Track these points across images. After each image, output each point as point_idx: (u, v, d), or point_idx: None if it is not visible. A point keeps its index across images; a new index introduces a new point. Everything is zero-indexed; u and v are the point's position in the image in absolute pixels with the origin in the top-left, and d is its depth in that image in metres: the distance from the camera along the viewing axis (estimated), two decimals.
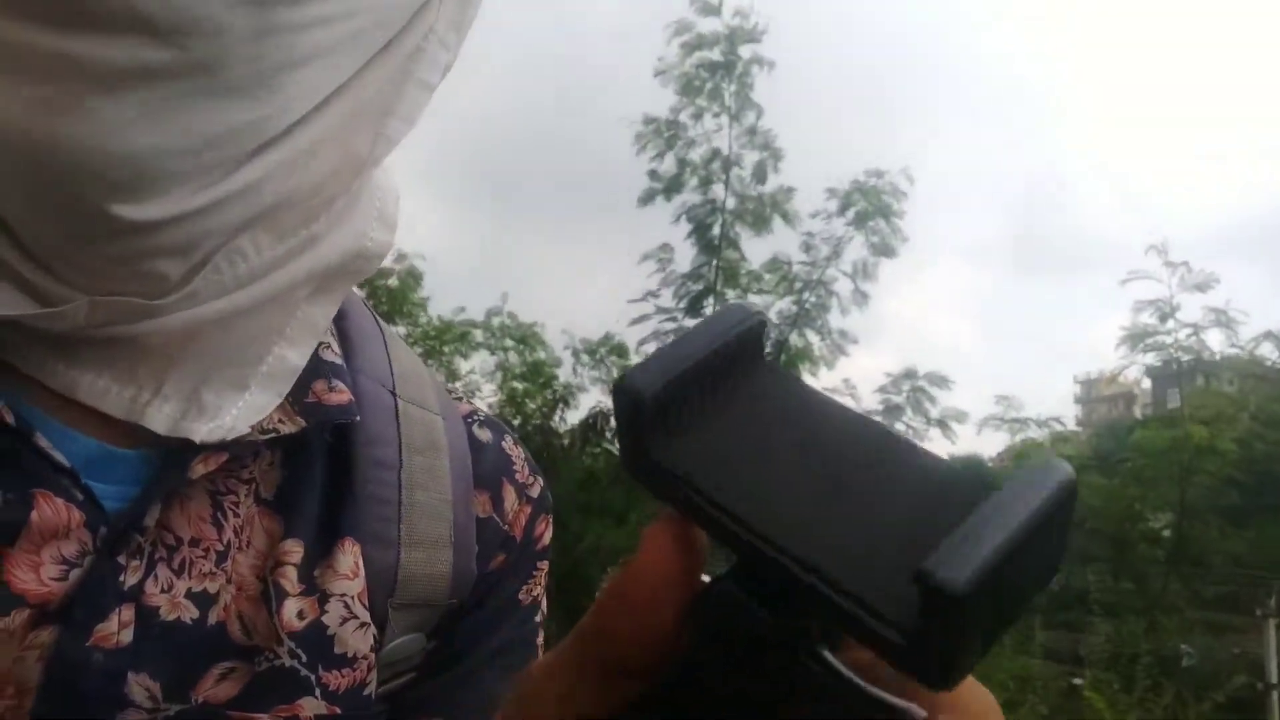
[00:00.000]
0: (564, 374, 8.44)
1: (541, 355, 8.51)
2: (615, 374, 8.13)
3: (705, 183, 7.57)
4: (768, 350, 0.29)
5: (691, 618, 0.25)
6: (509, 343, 8.53)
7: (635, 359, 7.74)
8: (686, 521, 0.25)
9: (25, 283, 0.43)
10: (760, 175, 7.55)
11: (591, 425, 7.89)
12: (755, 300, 7.61)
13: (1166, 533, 7.51)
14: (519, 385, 8.31)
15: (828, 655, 0.24)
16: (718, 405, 0.26)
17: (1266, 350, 7.91)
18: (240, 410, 0.47)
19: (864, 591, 0.22)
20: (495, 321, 8.58)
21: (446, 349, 8.32)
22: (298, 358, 0.50)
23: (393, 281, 8.06)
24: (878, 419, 0.27)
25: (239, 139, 0.41)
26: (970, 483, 0.24)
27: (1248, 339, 7.70)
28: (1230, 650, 8.28)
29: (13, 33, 0.36)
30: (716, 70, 7.46)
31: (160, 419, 0.46)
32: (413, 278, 8.28)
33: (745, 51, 7.42)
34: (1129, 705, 5.77)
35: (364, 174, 0.48)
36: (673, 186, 7.62)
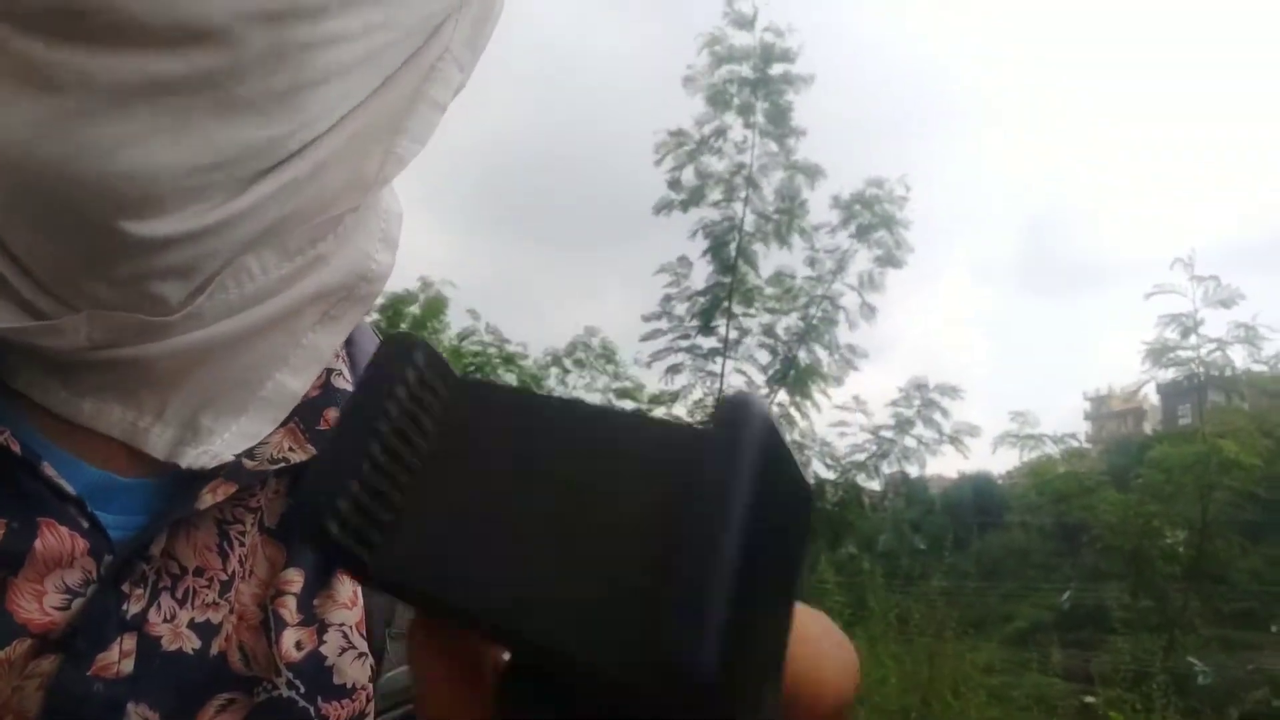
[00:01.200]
0: (555, 390, 8.12)
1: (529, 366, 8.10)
2: (607, 378, 7.97)
3: (728, 196, 7.47)
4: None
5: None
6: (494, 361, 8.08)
7: (632, 368, 7.61)
8: (432, 624, 0.23)
9: (24, 301, 0.42)
10: (791, 192, 7.44)
11: None
12: (765, 317, 7.56)
13: (1182, 549, 7.44)
14: None
15: None
16: (413, 471, 0.23)
17: None
18: (231, 436, 0.47)
19: (624, 659, 0.20)
20: (471, 344, 8.03)
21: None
22: (299, 385, 0.49)
23: (415, 309, 7.88)
24: (589, 402, 0.23)
25: (255, 158, 0.40)
26: (685, 457, 0.21)
27: (1269, 355, 7.65)
28: (1245, 667, 8.20)
29: (17, 45, 0.36)
30: (745, 86, 7.38)
31: (160, 444, 0.46)
32: (440, 305, 7.88)
33: (777, 70, 7.33)
34: None
35: (372, 192, 0.48)
36: (693, 198, 7.49)
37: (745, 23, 7.28)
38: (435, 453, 0.23)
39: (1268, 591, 8.78)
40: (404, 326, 7.46)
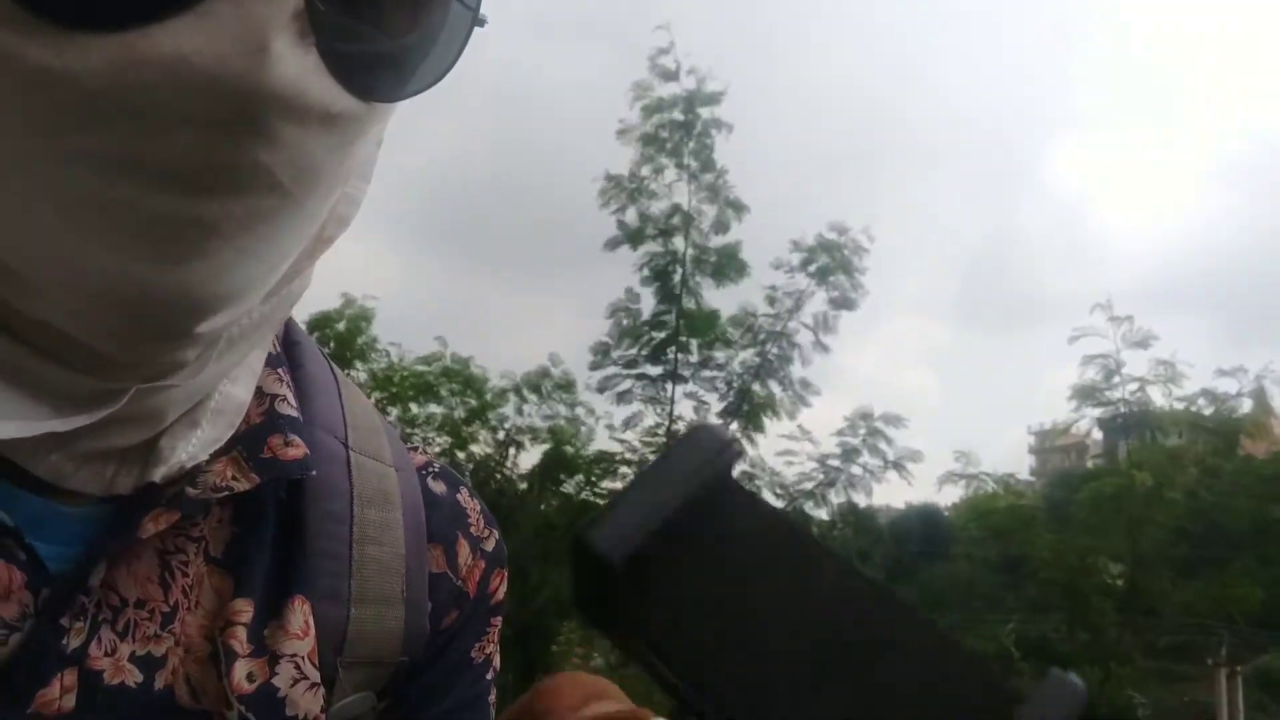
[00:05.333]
0: (511, 417, 8.15)
1: (487, 396, 8.08)
2: (564, 411, 7.99)
3: (666, 235, 7.66)
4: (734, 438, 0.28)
5: None
6: (452, 387, 8.08)
7: (584, 395, 7.61)
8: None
9: (61, 392, 0.43)
10: (722, 227, 7.65)
11: (546, 470, 7.79)
12: (723, 353, 7.63)
13: (1119, 583, 7.59)
14: (465, 427, 8.03)
15: None
16: (692, 555, 0.24)
17: (1204, 405, 8.14)
18: (193, 448, 0.47)
19: None
20: (436, 367, 8.12)
21: (409, 397, 7.95)
22: (243, 393, 0.51)
23: (341, 326, 7.79)
24: (883, 584, 0.24)
25: (304, 251, 0.46)
26: (980, 693, 0.21)
27: (1187, 394, 7.94)
28: (1181, 699, 8.34)
29: (152, 202, 0.37)
30: (676, 130, 7.59)
31: (127, 483, 0.46)
32: (364, 319, 7.86)
33: (705, 113, 7.56)
34: None
35: (330, 230, 0.49)
36: (635, 238, 7.68)
37: (670, 75, 7.54)
38: (711, 547, 0.24)
39: (1200, 625, 8.98)
40: (330, 345, 7.42)
